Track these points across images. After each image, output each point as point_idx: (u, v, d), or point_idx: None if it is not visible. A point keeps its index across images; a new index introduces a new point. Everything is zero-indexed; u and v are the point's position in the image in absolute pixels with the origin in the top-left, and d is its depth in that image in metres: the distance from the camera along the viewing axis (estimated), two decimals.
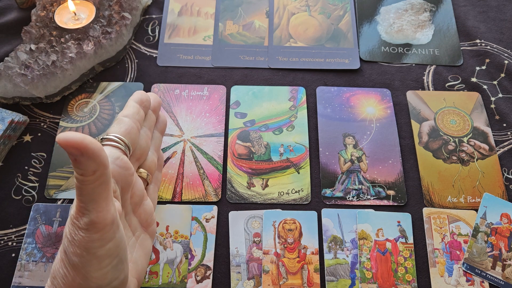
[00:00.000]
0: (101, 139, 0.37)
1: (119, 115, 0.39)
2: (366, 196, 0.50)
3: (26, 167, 0.51)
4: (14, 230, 0.47)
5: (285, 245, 0.47)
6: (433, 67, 0.59)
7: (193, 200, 0.49)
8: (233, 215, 0.48)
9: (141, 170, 0.41)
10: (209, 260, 0.46)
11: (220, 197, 0.50)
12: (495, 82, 0.58)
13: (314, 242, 0.47)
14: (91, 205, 0.29)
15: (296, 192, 0.50)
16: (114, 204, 0.31)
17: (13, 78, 0.52)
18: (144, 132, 0.41)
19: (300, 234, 0.47)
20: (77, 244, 0.30)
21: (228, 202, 0.50)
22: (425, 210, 0.49)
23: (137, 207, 0.38)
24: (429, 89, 0.58)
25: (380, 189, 0.50)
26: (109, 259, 0.31)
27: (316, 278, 0.45)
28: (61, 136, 0.26)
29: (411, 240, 0.47)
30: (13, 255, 0.46)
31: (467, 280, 0.45)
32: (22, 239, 0.47)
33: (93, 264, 0.30)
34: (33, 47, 0.54)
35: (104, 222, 0.30)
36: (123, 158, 0.36)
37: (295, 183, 0.51)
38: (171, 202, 0.49)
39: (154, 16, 0.64)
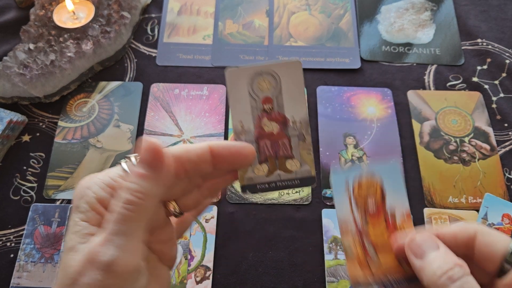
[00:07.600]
0: None
1: None
2: None
3: (25, 167, 0.51)
4: (12, 230, 0.47)
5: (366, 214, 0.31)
6: (434, 67, 0.59)
7: None
8: (231, 74, 0.32)
9: None
10: (209, 261, 0.46)
11: (220, 197, 0.49)
12: (496, 82, 0.58)
13: (403, 203, 0.31)
14: None
15: (296, 192, 0.50)
16: None
17: (12, 78, 0.52)
18: None
19: (383, 197, 0.32)
20: None
21: (228, 203, 0.49)
22: (426, 211, 0.49)
23: None
24: (430, 89, 0.57)
25: None
26: None
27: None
28: None
29: None
30: (12, 255, 0.46)
31: None
32: (21, 239, 0.46)
33: None
34: (31, 46, 0.54)
35: None
36: None
37: None
38: None
39: (153, 15, 0.64)
